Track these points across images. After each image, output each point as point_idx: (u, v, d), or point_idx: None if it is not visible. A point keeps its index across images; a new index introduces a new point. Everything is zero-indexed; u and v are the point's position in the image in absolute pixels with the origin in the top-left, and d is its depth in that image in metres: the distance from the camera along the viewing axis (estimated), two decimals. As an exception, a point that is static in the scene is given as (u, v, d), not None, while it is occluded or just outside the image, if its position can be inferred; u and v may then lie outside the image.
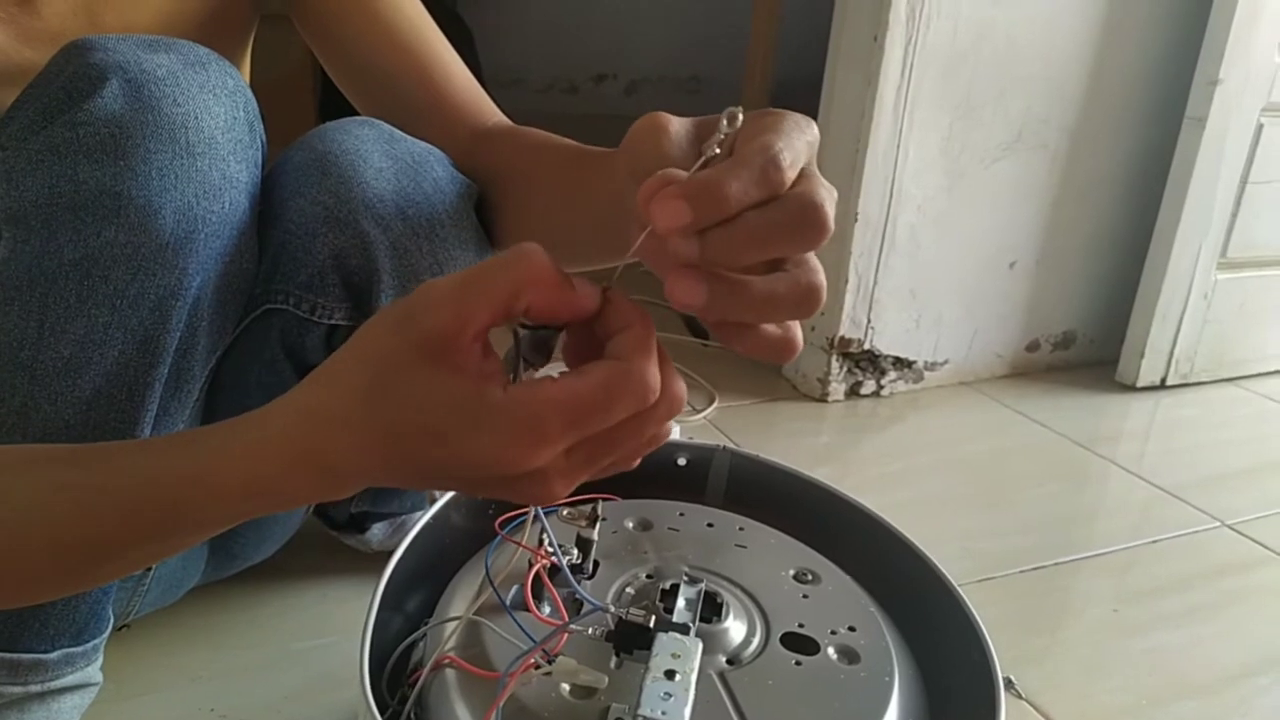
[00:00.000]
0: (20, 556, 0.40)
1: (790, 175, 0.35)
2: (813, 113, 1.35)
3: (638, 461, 0.40)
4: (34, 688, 0.60)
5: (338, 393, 0.36)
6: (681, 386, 0.38)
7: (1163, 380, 1.51)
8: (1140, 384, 1.49)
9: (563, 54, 3.11)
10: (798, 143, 0.36)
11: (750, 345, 0.37)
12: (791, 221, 0.35)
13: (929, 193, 1.34)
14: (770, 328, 0.38)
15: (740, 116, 0.36)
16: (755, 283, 0.36)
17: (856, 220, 1.31)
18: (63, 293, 0.51)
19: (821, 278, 0.37)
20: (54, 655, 0.59)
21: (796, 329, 0.38)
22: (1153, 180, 1.47)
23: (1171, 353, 1.50)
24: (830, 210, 0.35)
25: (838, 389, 1.40)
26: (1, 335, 0.51)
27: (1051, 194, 1.44)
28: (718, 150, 0.36)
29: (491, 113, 0.71)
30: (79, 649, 0.60)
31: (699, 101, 3.27)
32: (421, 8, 0.71)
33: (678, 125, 0.40)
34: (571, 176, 0.59)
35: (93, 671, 0.63)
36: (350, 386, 0.36)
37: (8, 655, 0.58)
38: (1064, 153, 1.41)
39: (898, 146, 1.29)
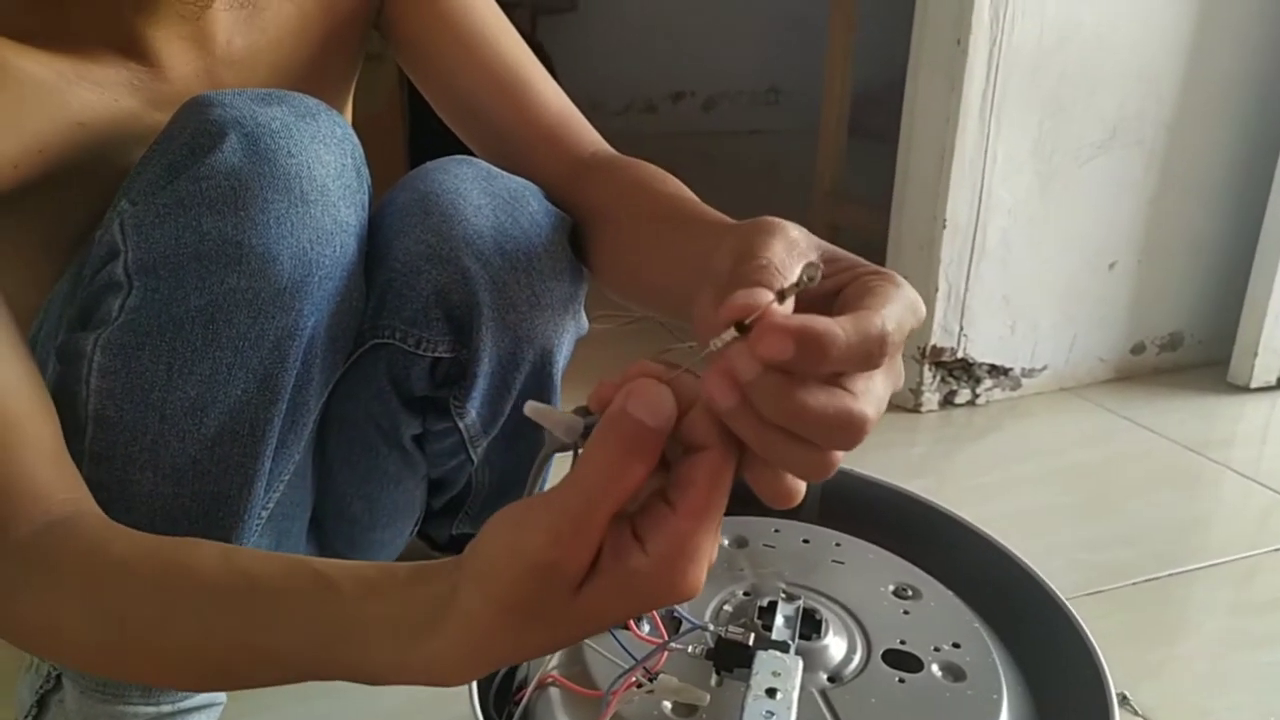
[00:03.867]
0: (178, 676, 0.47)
1: (887, 363, 0.36)
2: (895, 119, 1.34)
3: None
4: (165, 708, 0.64)
5: (472, 586, 0.37)
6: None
7: (1278, 380, 1.44)
8: (1254, 384, 1.43)
9: (639, 74, 3.15)
10: (906, 326, 0.36)
11: (756, 477, 0.37)
12: (825, 422, 0.34)
13: (1020, 195, 1.32)
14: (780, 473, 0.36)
15: (819, 277, 0.35)
16: (798, 390, 0.34)
17: (945, 227, 1.29)
18: (189, 337, 0.54)
19: (870, 410, 0.35)
20: (185, 677, 0.63)
21: (797, 483, 0.37)
22: (1258, 172, 1.40)
23: (1287, 350, 1.43)
24: (873, 421, 0.35)
25: (931, 399, 1.37)
26: (134, 378, 0.55)
27: (1150, 191, 1.39)
28: (808, 282, 0.35)
29: (591, 140, 0.72)
30: (208, 670, 0.64)
31: (778, 114, 3.27)
32: (518, 37, 0.74)
33: (796, 235, 0.40)
34: (663, 232, 0.59)
35: (217, 693, 0.66)
36: (496, 583, 0.36)
37: (142, 678, 0.61)
38: (1162, 148, 1.37)
39: (985, 150, 1.27)
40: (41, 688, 0.65)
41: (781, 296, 0.35)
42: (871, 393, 0.35)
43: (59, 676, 0.64)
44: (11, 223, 0.59)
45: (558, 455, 0.41)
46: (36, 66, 0.57)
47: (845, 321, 0.34)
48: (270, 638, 0.41)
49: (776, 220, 0.41)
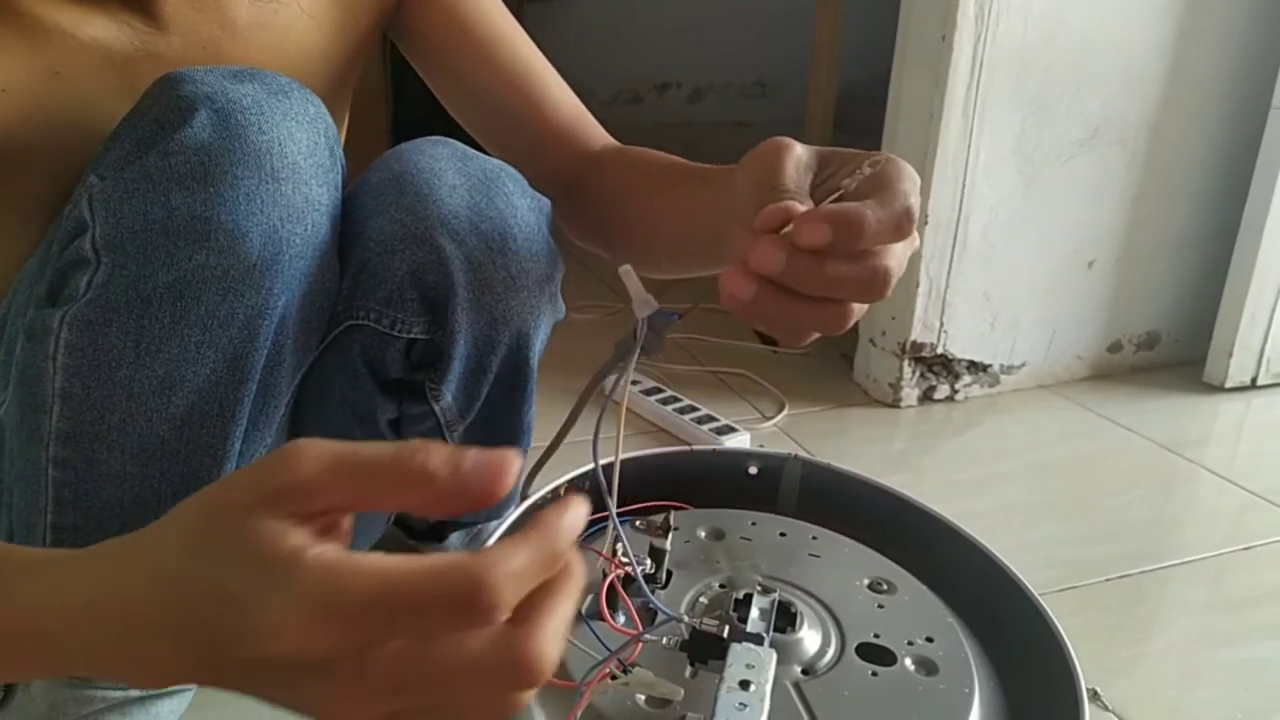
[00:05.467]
0: None
1: (912, 228, 0.42)
2: (880, 114, 1.34)
3: None
4: (134, 692, 0.63)
5: (164, 534, 0.33)
6: (542, 651, 0.29)
7: (1253, 380, 1.45)
8: (1229, 384, 1.44)
9: (626, 65, 3.14)
10: (916, 193, 0.43)
11: (780, 333, 0.45)
12: (862, 281, 0.41)
13: (1002, 193, 1.32)
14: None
15: (851, 186, 0.43)
16: (829, 264, 0.41)
17: (927, 223, 1.29)
18: (158, 314, 0.53)
19: (893, 263, 0.42)
20: (152, 661, 0.62)
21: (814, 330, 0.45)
22: (1238, 173, 1.41)
23: (1262, 351, 1.44)
24: (897, 275, 0.43)
25: (910, 394, 1.37)
26: (101, 355, 0.54)
27: (1131, 190, 1.40)
28: (847, 187, 0.44)
29: (599, 136, 0.76)
30: (176, 655, 0.63)
31: (764, 107, 3.26)
32: (528, 39, 0.76)
33: (800, 151, 0.47)
34: (679, 192, 0.63)
35: None
36: (181, 526, 0.32)
37: (110, 661, 0.60)
38: (1143, 148, 1.37)
39: (968, 147, 1.27)
40: (5, 672, 0.64)
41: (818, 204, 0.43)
42: (892, 251, 0.42)
43: (23, 660, 0.63)
44: None
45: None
46: (25, 2, 0.56)
47: (871, 204, 0.41)
48: None
49: (776, 142, 0.47)
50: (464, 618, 0.28)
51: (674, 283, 0.66)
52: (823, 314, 0.43)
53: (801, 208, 0.42)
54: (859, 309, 0.44)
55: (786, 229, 0.41)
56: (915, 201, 0.42)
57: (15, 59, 0.56)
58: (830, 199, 0.43)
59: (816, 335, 0.45)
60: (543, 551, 0.29)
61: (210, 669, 0.31)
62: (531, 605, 0.30)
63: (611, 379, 0.50)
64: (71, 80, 0.59)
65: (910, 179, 0.44)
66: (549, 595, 0.30)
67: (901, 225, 0.42)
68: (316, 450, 0.31)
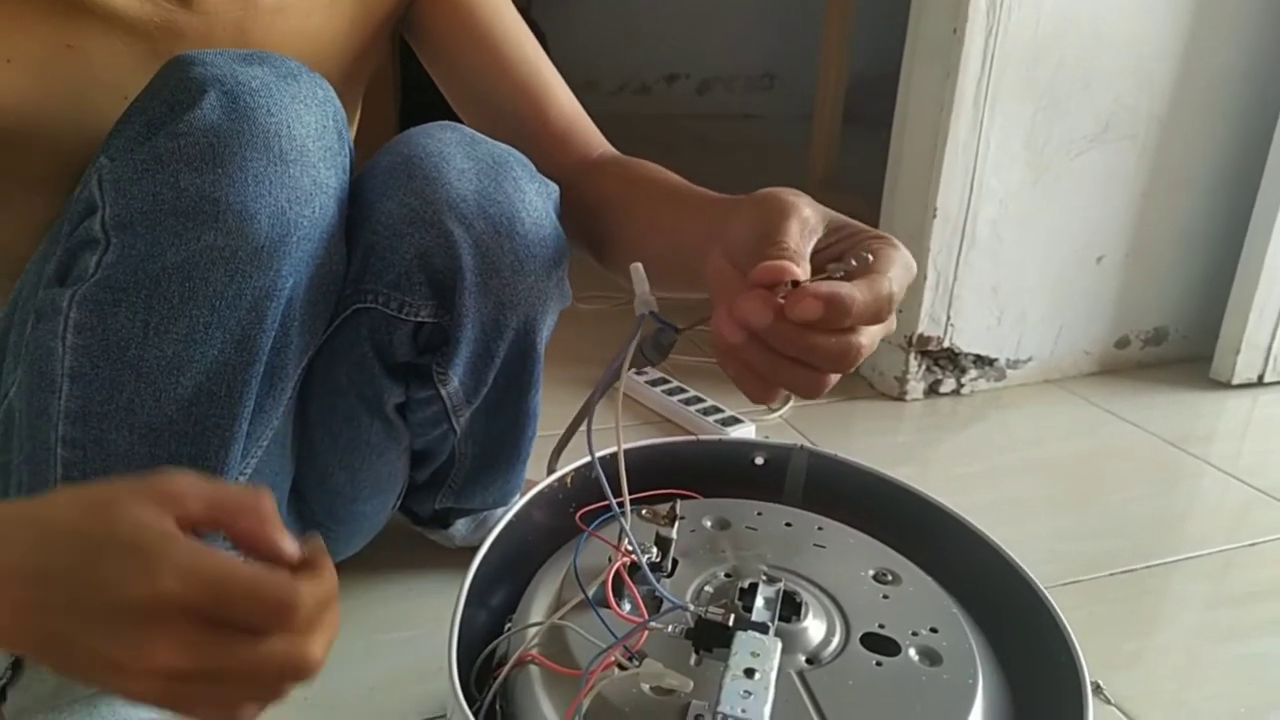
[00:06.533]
0: None
1: (892, 315, 0.46)
2: (889, 107, 1.33)
3: None
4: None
5: (53, 499, 0.38)
6: (319, 657, 0.39)
7: (1260, 377, 1.45)
8: (1236, 381, 1.43)
9: (634, 55, 3.13)
10: (905, 283, 0.47)
11: (752, 389, 0.49)
12: (837, 353, 0.45)
13: (1011, 187, 1.31)
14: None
15: (870, 259, 0.47)
16: (810, 333, 0.45)
17: (935, 216, 1.29)
18: (166, 294, 0.53)
19: (866, 341, 0.46)
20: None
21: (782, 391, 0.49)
22: (1249, 169, 1.41)
23: (1270, 348, 1.43)
24: (868, 350, 0.46)
25: (916, 388, 1.37)
26: (110, 335, 0.54)
27: (1141, 185, 1.39)
28: (839, 270, 0.47)
29: (598, 142, 0.77)
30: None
31: (772, 99, 3.25)
32: (536, 42, 0.77)
33: (809, 214, 0.50)
34: (674, 213, 0.64)
35: None
36: (71, 495, 0.38)
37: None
38: (1154, 143, 1.37)
39: (978, 140, 1.27)
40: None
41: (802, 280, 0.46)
42: (869, 330, 0.46)
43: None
44: (9, 159, 0.59)
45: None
46: None
47: (860, 285, 0.44)
48: None
49: (789, 198, 0.50)
50: (275, 616, 0.36)
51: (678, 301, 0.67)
52: (798, 376, 0.46)
53: (799, 271, 0.45)
54: (833, 379, 0.47)
55: (779, 287, 0.45)
56: (900, 291, 0.46)
57: (26, 29, 0.56)
58: (822, 276, 0.46)
59: (787, 396, 0.50)
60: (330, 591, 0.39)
61: (43, 614, 0.35)
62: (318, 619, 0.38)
63: (611, 374, 0.51)
64: (85, 54, 0.58)
65: (902, 267, 0.47)
66: (328, 613, 0.39)
67: (882, 311, 0.45)
68: (190, 476, 0.39)
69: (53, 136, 0.60)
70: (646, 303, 0.50)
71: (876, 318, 0.45)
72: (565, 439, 0.59)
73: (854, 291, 0.44)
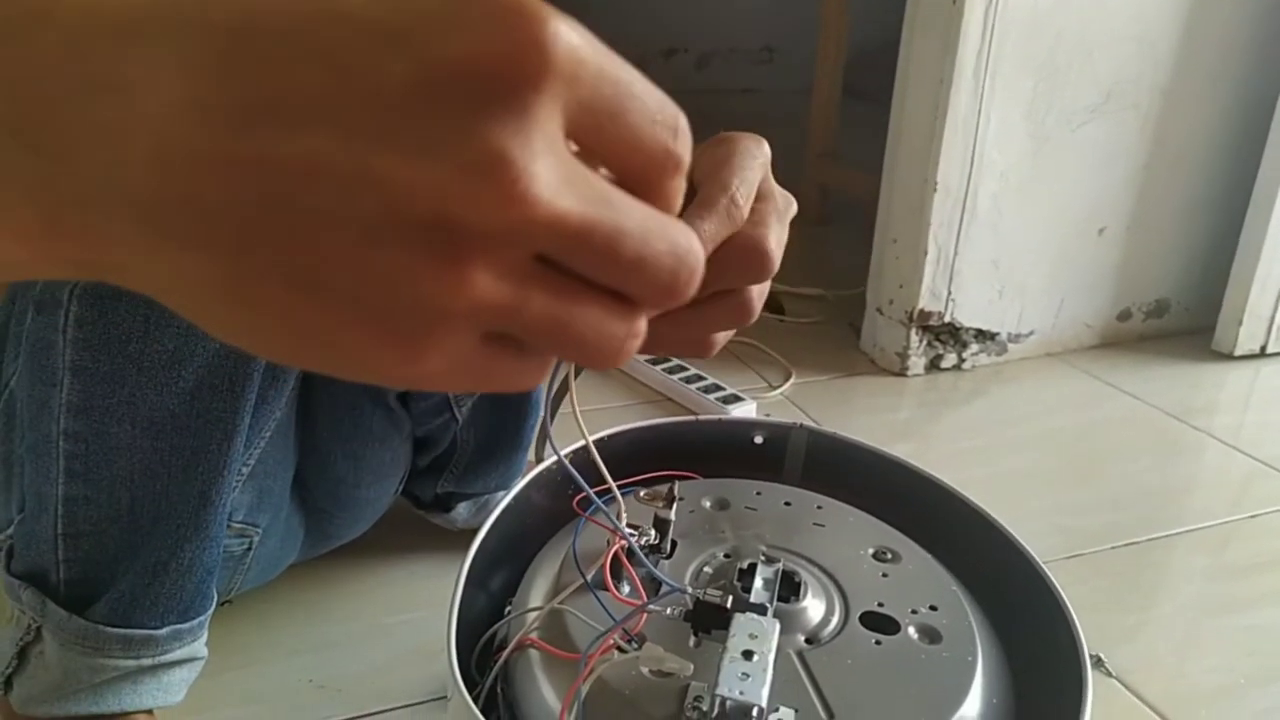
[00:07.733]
0: None
1: (747, 209, 0.36)
2: (889, 80, 1.32)
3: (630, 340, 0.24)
4: (145, 661, 0.64)
5: None
6: (775, 240, 0.35)
7: (1262, 348, 1.45)
8: (1238, 353, 1.43)
9: (631, 30, 3.09)
10: (751, 172, 0.36)
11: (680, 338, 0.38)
12: (739, 264, 0.36)
13: (1012, 159, 1.31)
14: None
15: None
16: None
17: (935, 190, 1.28)
18: (164, 288, 0.53)
19: (770, 241, 0.36)
20: (163, 631, 0.63)
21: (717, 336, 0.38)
22: (1252, 139, 1.40)
23: (1272, 319, 1.43)
24: (777, 243, 0.36)
25: (917, 363, 1.37)
26: (112, 329, 0.54)
27: (1143, 157, 1.38)
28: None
29: None
30: (186, 625, 0.64)
31: (772, 73, 3.23)
32: None
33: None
34: None
35: (199, 646, 0.66)
36: None
37: (121, 631, 0.61)
38: (1156, 113, 1.36)
39: (979, 112, 1.26)
40: (21, 640, 0.65)
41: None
42: (762, 232, 0.36)
43: (39, 629, 0.64)
44: None
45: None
46: None
47: (693, 206, 0.34)
48: None
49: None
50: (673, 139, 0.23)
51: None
52: (720, 309, 0.37)
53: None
54: (760, 292, 0.38)
55: None
56: (742, 189, 0.35)
57: None
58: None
59: (719, 343, 0.39)
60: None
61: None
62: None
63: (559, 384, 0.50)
64: None
65: (741, 161, 0.36)
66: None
67: (732, 218, 0.35)
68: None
69: None
70: None
71: (729, 226, 0.35)
72: (540, 443, 0.59)
73: (690, 221, 0.34)
